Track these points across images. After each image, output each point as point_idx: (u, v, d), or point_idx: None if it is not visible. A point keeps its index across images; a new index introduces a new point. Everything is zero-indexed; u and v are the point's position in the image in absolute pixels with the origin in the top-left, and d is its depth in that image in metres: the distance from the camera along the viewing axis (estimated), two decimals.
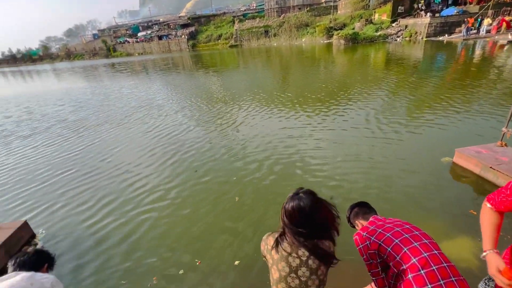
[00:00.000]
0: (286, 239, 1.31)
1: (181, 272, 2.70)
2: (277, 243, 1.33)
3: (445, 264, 1.26)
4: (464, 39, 19.71)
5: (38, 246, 3.36)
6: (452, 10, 23.34)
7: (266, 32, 43.09)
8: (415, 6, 27.86)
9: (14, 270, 1.51)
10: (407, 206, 3.32)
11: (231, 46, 44.91)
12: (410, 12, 27.87)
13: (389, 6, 28.87)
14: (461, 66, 11.91)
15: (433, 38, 22.24)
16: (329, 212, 1.32)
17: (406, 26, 26.01)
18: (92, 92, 14.93)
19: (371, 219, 1.61)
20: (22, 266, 1.53)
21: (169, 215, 3.63)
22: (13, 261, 1.57)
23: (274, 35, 42.14)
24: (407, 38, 24.61)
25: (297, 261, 1.28)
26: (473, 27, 20.51)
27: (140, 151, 5.81)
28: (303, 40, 37.42)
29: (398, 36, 25.73)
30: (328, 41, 32.23)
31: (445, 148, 4.48)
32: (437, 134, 5.16)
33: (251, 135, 6.06)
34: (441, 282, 1.19)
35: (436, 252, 1.31)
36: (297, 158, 4.76)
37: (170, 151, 5.64)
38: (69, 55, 72.64)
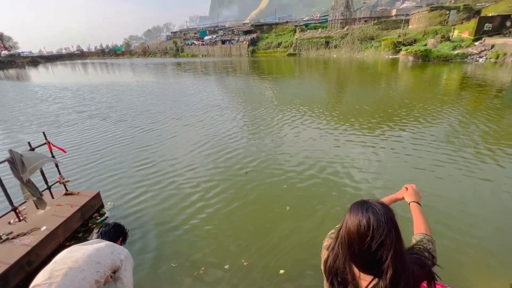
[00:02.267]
0: (340, 275, 0.98)
1: (226, 267, 2.80)
2: (330, 275, 1.03)
3: None
4: None
5: (106, 215, 3.84)
6: None
7: (327, 43, 42.33)
8: (508, 23, 24.22)
9: (98, 237, 1.77)
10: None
11: (289, 55, 45.26)
12: (500, 30, 24.35)
13: (473, 23, 25.70)
14: None
15: None
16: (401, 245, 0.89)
17: (492, 46, 22.75)
18: (167, 88, 16.63)
19: None
20: (103, 235, 1.78)
21: (221, 213, 3.81)
22: (98, 230, 1.83)
23: (335, 46, 41.13)
24: (492, 60, 21.49)
25: None
26: None
27: (200, 152, 6.22)
28: (365, 53, 35.69)
29: (480, 57, 22.65)
30: (394, 56, 30.11)
31: None
32: None
33: (303, 147, 6.00)
34: None
35: None
36: (346, 174, 4.54)
37: (228, 154, 5.92)
38: (144, 52, 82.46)
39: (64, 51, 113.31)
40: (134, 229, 3.48)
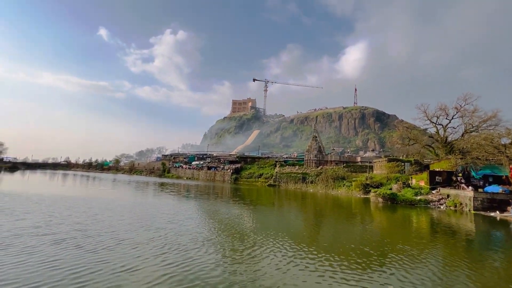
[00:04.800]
0: None
1: None
2: None
3: None
4: None
5: None
6: (497, 188, 23.11)
7: (304, 178, 46.42)
8: (453, 178, 28.60)
9: None
10: None
11: (269, 185, 48.14)
12: (449, 182, 28.35)
13: (425, 174, 30.19)
14: None
15: (482, 213, 21.00)
16: None
17: (448, 196, 25.73)
18: (153, 211, 15.74)
19: None
20: None
21: None
22: None
23: (311, 182, 44.88)
24: (452, 208, 23.69)
25: None
26: None
27: None
28: (339, 191, 38.69)
29: (441, 204, 25.04)
30: (365, 196, 32.68)
31: None
32: None
33: None
34: None
35: None
36: None
37: None
38: (131, 169, 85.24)
39: (51, 161, 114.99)
40: None
